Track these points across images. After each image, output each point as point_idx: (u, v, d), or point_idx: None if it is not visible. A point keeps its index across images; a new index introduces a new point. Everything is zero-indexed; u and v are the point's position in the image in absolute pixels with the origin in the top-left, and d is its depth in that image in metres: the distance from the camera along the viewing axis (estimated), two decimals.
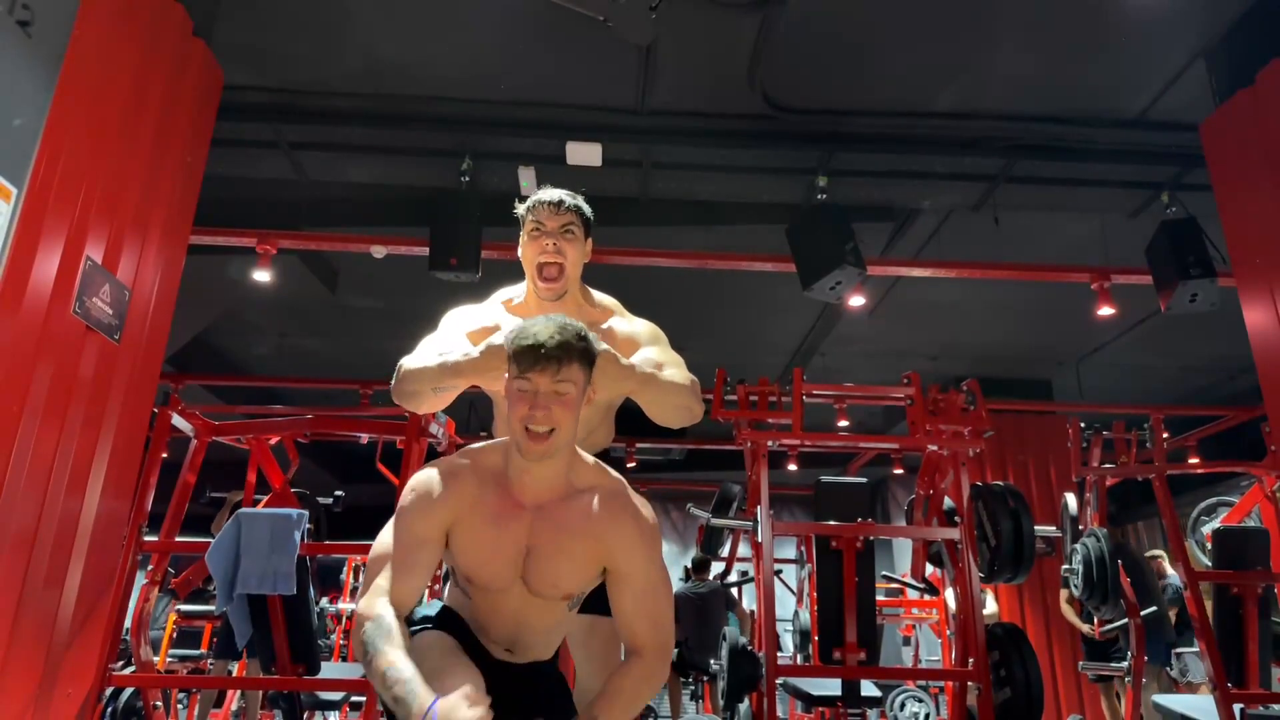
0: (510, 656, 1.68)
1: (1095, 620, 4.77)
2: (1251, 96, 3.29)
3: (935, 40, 3.80)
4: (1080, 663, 4.81)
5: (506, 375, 1.59)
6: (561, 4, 3.11)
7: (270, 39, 3.84)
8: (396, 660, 1.43)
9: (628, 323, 2.07)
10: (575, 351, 1.52)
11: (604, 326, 2.01)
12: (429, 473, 1.64)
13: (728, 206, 5.12)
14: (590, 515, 1.60)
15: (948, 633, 6.03)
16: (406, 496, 1.62)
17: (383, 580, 1.56)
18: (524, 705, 1.66)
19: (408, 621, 1.58)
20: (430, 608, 1.71)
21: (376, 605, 1.52)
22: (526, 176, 4.44)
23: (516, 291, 2.14)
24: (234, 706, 5.45)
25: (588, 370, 1.57)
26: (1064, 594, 5.30)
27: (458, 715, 1.32)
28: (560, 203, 2.00)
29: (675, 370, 1.87)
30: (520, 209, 2.06)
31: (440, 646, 1.56)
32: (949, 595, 5.44)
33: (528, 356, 1.50)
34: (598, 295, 2.15)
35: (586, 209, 2.06)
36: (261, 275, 4.70)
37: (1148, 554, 5.51)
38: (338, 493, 5.23)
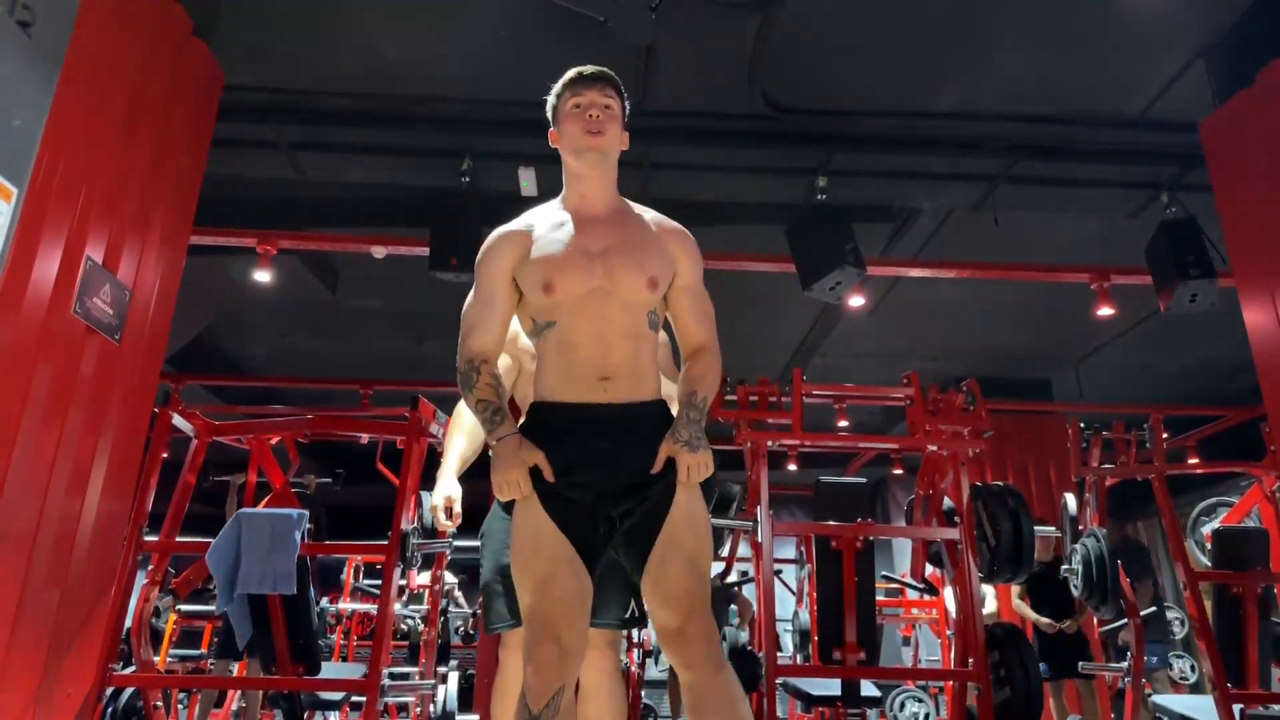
0: (606, 390, 1.75)
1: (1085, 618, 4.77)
2: (1251, 96, 3.29)
3: (935, 40, 3.80)
4: (1080, 663, 4.81)
5: (560, 109, 1.88)
6: (561, 4, 3.11)
7: (270, 39, 3.84)
8: (488, 397, 1.76)
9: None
10: (613, 78, 1.87)
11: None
12: (489, 239, 1.89)
13: (728, 207, 5.12)
14: (651, 225, 1.88)
15: (947, 633, 6.03)
16: (478, 259, 1.88)
17: (471, 339, 1.83)
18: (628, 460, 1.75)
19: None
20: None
21: (469, 353, 1.81)
22: (526, 176, 4.44)
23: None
24: (234, 706, 5.45)
25: (621, 97, 1.88)
26: (1016, 589, 5.28)
27: (500, 456, 1.69)
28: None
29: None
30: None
31: (547, 550, 1.69)
32: (947, 595, 5.45)
33: (579, 79, 1.85)
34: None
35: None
36: (262, 275, 4.70)
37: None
38: (338, 470, 5.24)
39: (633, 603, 2.21)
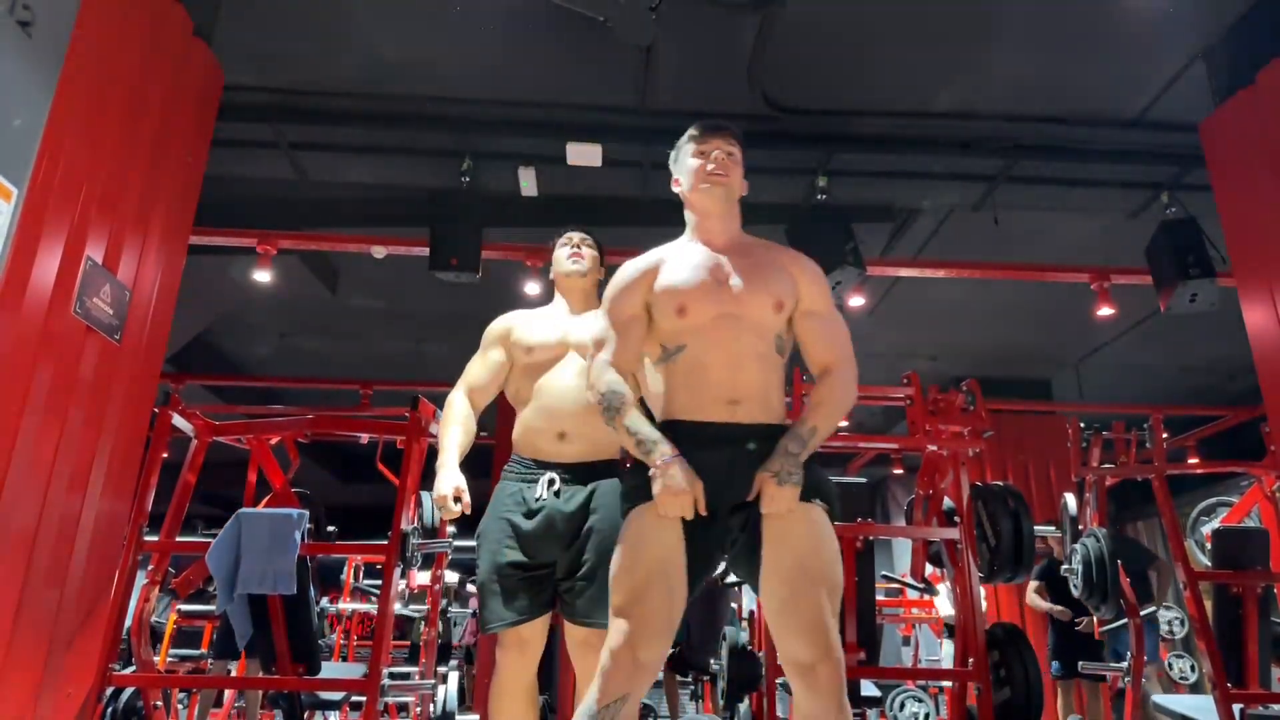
0: (734, 413, 1.82)
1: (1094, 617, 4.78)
2: (1251, 96, 3.29)
3: (935, 40, 3.80)
4: (1080, 663, 4.81)
5: (688, 154, 1.99)
6: (562, 4, 3.11)
7: (270, 39, 3.84)
8: (637, 418, 1.82)
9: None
10: (734, 130, 2.01)
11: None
12: (622, 269, 1.98)
13: None
14: (774, 253, 1.99)
15: (914, 633, 6.03)
16: (608, 292, 1.97)
17: (605, 354, 1.89)
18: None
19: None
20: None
21: (605, 375, 1.86)
22: (526, 177, 4.43)
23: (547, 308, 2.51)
24: (236, 705, 5.46)
25: (741, 146, 2.01)
26: (1033, 585, 5.30)
27: (679, 479, 1.71)
28: (586, 233, 2.52)
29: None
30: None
31: (649, 565, 1.74)
32: (939, 600, 5.47)
33: (709, 130, 1.99)
34: None
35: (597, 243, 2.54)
36: (262, 275, 4.70)
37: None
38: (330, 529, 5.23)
39: None
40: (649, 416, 1.89)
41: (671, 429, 1.83)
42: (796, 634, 1.68)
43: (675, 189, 2.06)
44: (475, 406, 2.39)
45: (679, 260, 1.94)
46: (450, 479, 2.18)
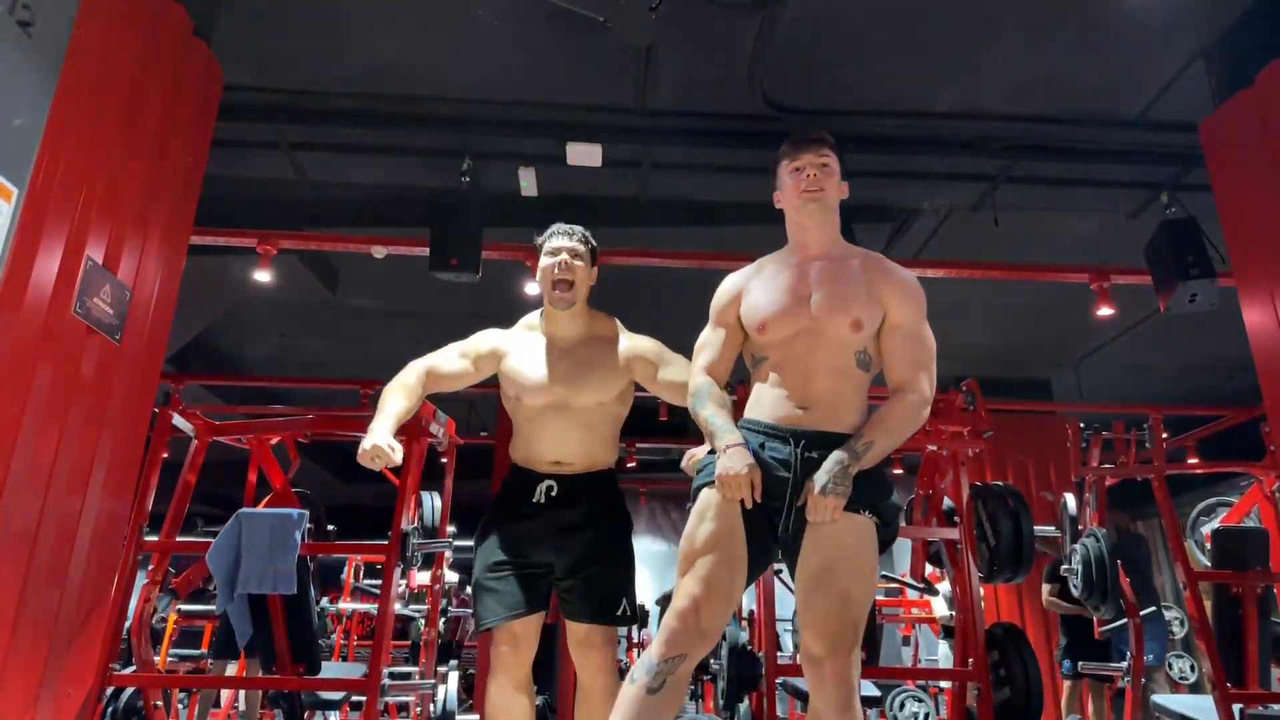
0: (802, 418, 1.90)
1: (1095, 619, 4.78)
2: (1251, 97, 3.29)
3: (935, 40, 3.80)
4: (1080, 663, 4.81)
5: (784, 172, 2.06)
6: (562, 4, 3.11)
7: (270, 39, 3.84)
8: (715, 412, 1.94)
9: (630, 339, 2.44)
10: (827, 138, 2.05)
11: (609, 338, 2.41)
12: (724, 281, 2.12)
13: (728, 207, 5.12)
14: (865, 266, 2.02)
15: (914, 632, 6.03)
16: (714, 300, 2.11)
17: (701, 359, 2.07)
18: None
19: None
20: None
21: (699, 378, 2.04)
22: (526, 177, 4.43)
23: (535, 316, 2.51)
24: (241, 707, 5.46)
25: (835, 152, 2.05)
26: (1047, 587, 5.32)
27: (737, 462, 1.80)
28: (570, 232, 2.45)
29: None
30: (539, 240, 2.47)
31: (713, 539, 1.83)
32: (935, 601, 5.46)
33: (799, 144, 2.04)
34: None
35: (592, 241, 2.48)
36: (262, 275, 4.70)
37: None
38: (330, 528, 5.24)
39: (625, 601, 2.23)
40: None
41: (747, 426, 1.95)
42: (810, 627, 1.74)
43: (777, 205, 2.13)
44: (426, 389, 2.36)
45: (768, 278, 2.04)
46: (377, 438, 2.13)
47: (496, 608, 2.18)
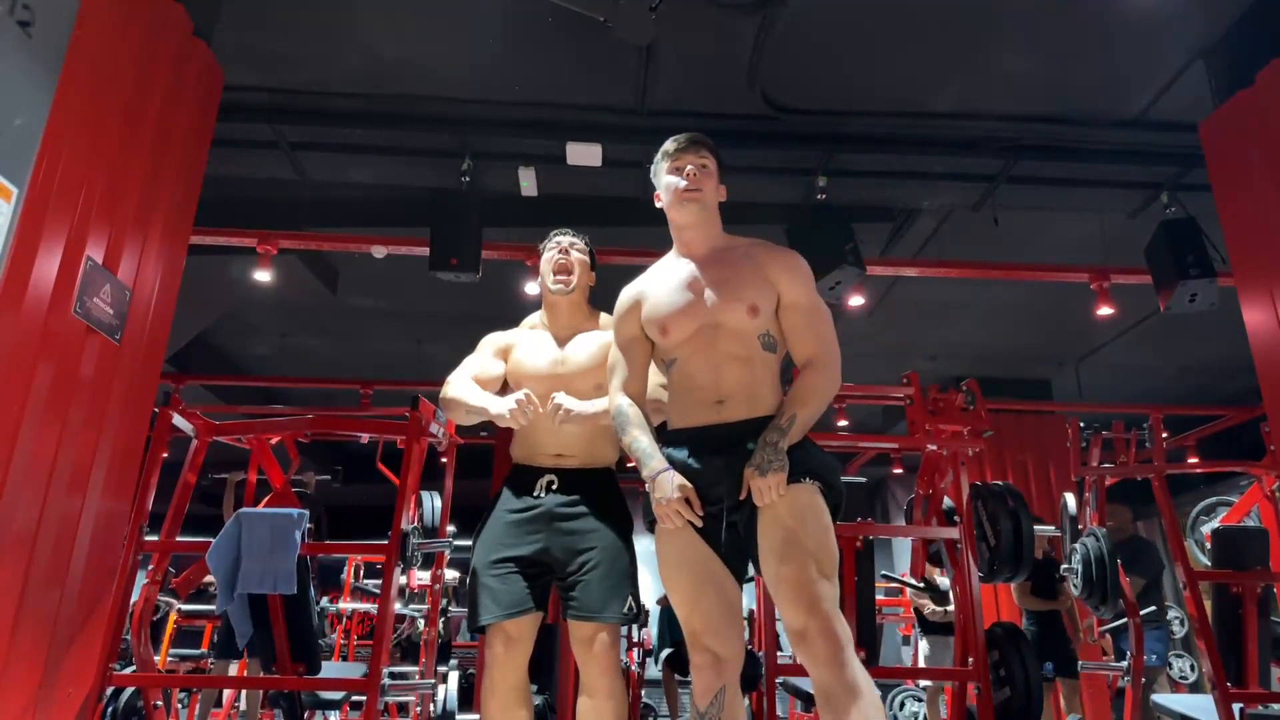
0: (720, 412, 1.94)
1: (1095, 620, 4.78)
2: (1251, 97, 3.29)
3: (935, 40, 3.80)
4: (1080, 663, 4.82)
5: (663, 171, 2.10)
6: (562, 4, 3.11)
7: (270, 39, 3.84)
8: (636, 436, 1.98)
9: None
10: (706, 141, 2.10)
11: (606, 329, 2.43)
12: (620, 296, 2.16)
13: (728, 206, 5.10)
14: (750, 254, 2.06)
15: (914, 633, 6.01)
16: (613, 320, 2.17)
17: (616, 380, 2.11)
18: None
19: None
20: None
21: (617, 399, 2.08)
22: (526, 177, 4.43)
23: (536, 317, 2.57)
24: (242, 707, 5.46)
25: (715, 156, 2.11)
26: (1017, 585, 5.33)
27: (666, 489, 1.87)
28: (572, 233, 2.53)
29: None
30: (542, 245, 2.54)
31: (686, 572, 1.90)
32: (912, 595, 5.46)
33: (680, 148, 2.08)
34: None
35: (591, 246, 2.55)
36: (262, 275, 4.70)
37: None
38: (337, 468, 5.26)
39: (631, 599, 2.22)
40: (657, 429, 2.04)
41: (673, 436, 1.99)
42: (785, 602, 1.75)
43: (657, 204, 2.17)
44: None
45: (661, 283, 2.09)
46: (506, 398, 2.19)
47: (491, 605, 2.16)
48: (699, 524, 1.89)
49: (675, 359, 2.02)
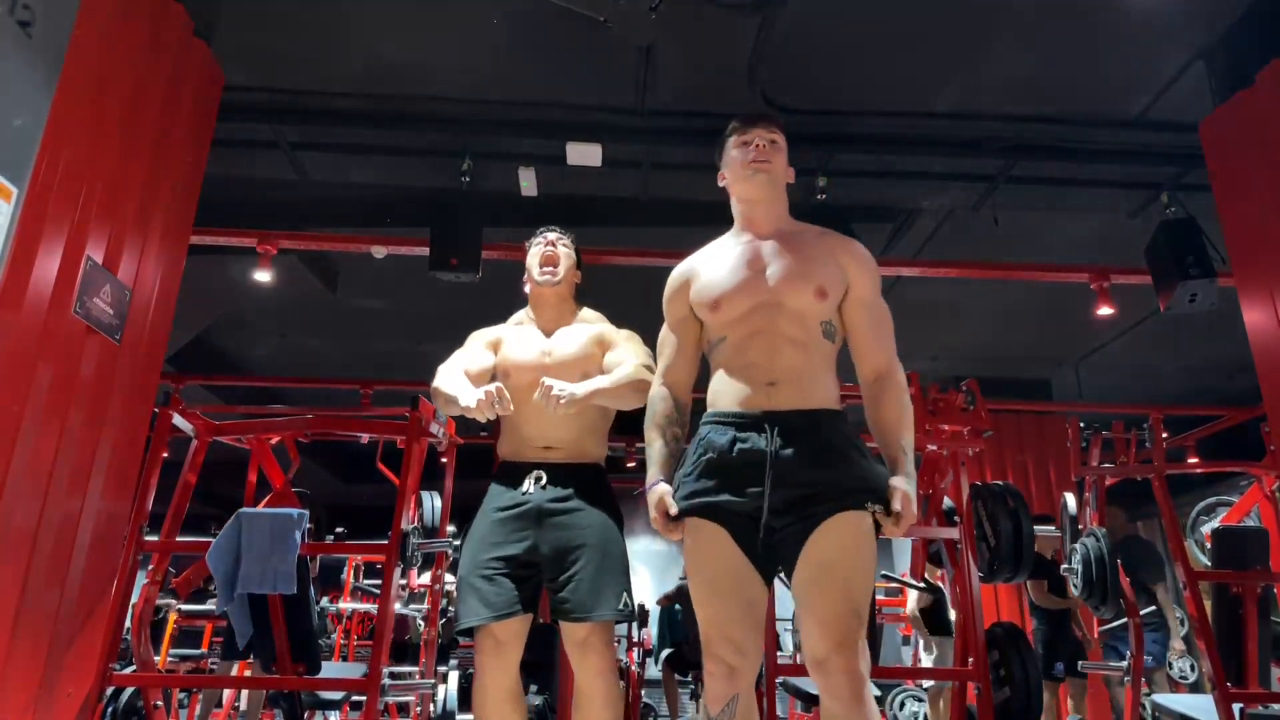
0: (770, 397, 1.81)
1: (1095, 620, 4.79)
2: (1251, 96, 3.29)
3: (935, 40, 3.80)
4: (1080, 663, 4.82)
5: (731, 147, 2.03)
6: (562, 4, 3.11)
7: (271, 40, 3.84)
8: (651, 439, 1.94)
9: (607, 325, 2.51)
10: (776, 118, 2.04)
11: (592, 323, 2.49)
12: (672, 274, 2.05)
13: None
14: (821, 237, 1.97)
15: (914, 633, 6.01)
16: (664, 298, 2.05)
17: (659, 365, 2.04)
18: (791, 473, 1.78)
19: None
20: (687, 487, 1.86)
21: (655, 386, 2.02)
22: (526, 177, 4.43)
23: (522, 314, 2.57)
24: (242, 706, 5.46)
25: (784, 134, 2.03)
26: (1033, 584, 5.34)
27: (650, 503, 1.83)
28: (557, 229, 2.54)
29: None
30: (528, 244, 2.57)
31: (711, 575, 1.81)
32: (912, 597, 5.45)
33: (749, 119, 2.01)
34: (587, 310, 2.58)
35: (576, 245, 2.57)
36: (262, 275, 4.70)
37: None
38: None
39: (626, 596, 2.18)
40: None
41: (714, 420, 1.86)
42: (813, 627, 1.67)
43: (721, 183, 2.08)
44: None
45: (717, 257, 1.98)
46: (475, 391, 2.11)
47: (479, 607, 2.11)
48: (674, 539, 1.84)
49: (724, 338, 1.90)
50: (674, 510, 1.82)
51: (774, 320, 1.84)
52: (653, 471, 1.88)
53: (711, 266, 1.97)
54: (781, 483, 1.75)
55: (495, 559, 2.16)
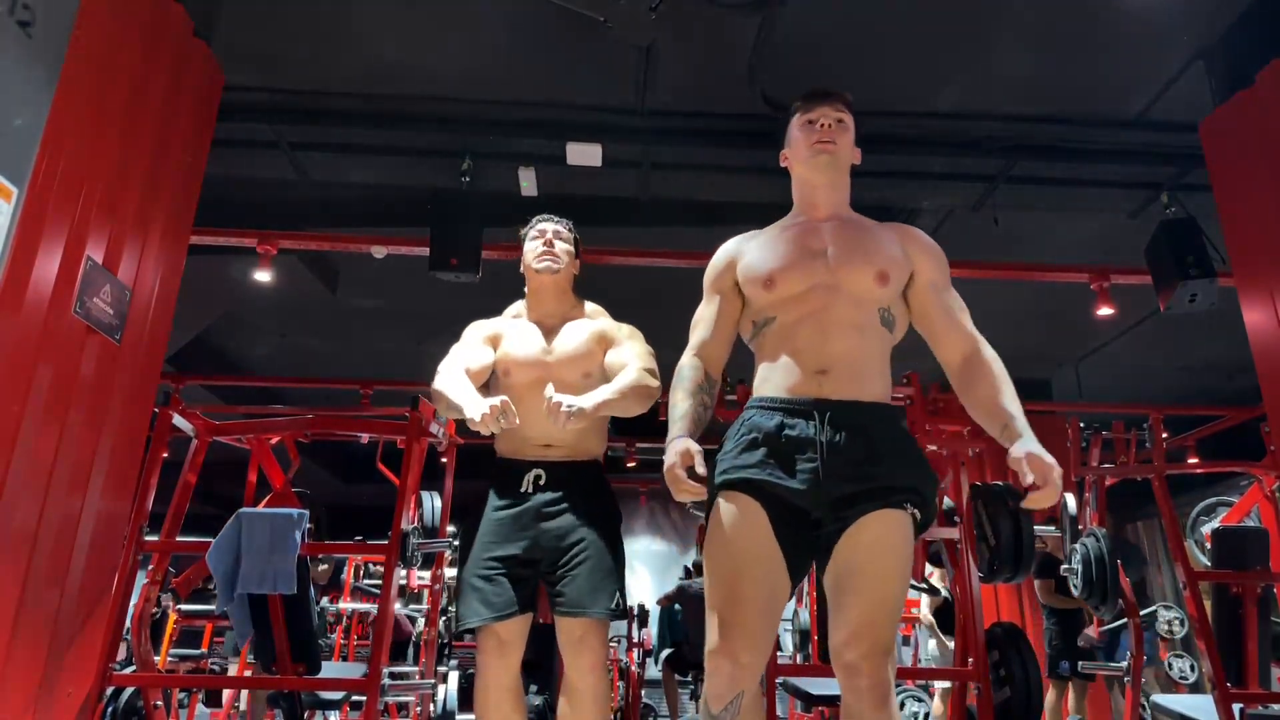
0: (822, 385, 1.71)
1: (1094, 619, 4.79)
2: (1251, 97, 3.29)
3: (935, 40, 3.80)
4: (1080, 663, 4.82)
5: (795, 126, 1.94)
6: (562, 4, 3.11)
7: (271, 39, 3.84)
8: (678, 401, 1.79)
9: (609, 320, 2.47)
10: (844, 95, 1.93)
11: (593, 318, 2.46)
12: (721, 248, 1.98)
13: (728, 206, 5.12)
14: (886, 226, 1.89)
15: (913, 633, 6.03)
16: (707, 270, 1.97)
17: (695, 337, 1.92)
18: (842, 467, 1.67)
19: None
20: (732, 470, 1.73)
21: (685, 357, 1.90)
22: (526, 177, 4.44)
23: (518, 305, 2.54)
24: (243, 707, 5.44)
25: (851, 112, 1.92)
26: (1040, 583, 5.37)
27: (669, 455, 1.66)
28: (555, 218, 2.53)
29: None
30: (523, 231, 2.55)
31: (736, 560, 1.67)
32: (924, 602, 5.47)
33: (815, 97, 1.91)
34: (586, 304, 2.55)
35: (575, 233, 2.56)
36: (262, 275, 4.70)
37: None
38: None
39: (619, 595, 2.18)
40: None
41: (759, 405, 1.75)
42: (846, 631, 1.59)
43: (783, 163, 2.00)
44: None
45: (771, 238, 1.89)
46: (482, 401, 2.05)
47: (480, 608, 2.11)
48: (695, 496, 1.65)
49: (773, 318, 1.78)
50: (700, 465, 1.64)
51: (830, 303, 1.73)
52: (677, 428, 1.72)
53: (765, 243, 1.88)
54: (831, 474, 1.65)
55: (495, 559, 2.16)
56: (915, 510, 1.69)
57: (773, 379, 1.76)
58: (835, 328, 1.73)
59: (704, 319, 1.91)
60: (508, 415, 2.00)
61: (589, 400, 2.09)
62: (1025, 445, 1.64)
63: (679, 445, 1.67)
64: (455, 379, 2.22)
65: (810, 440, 1.66)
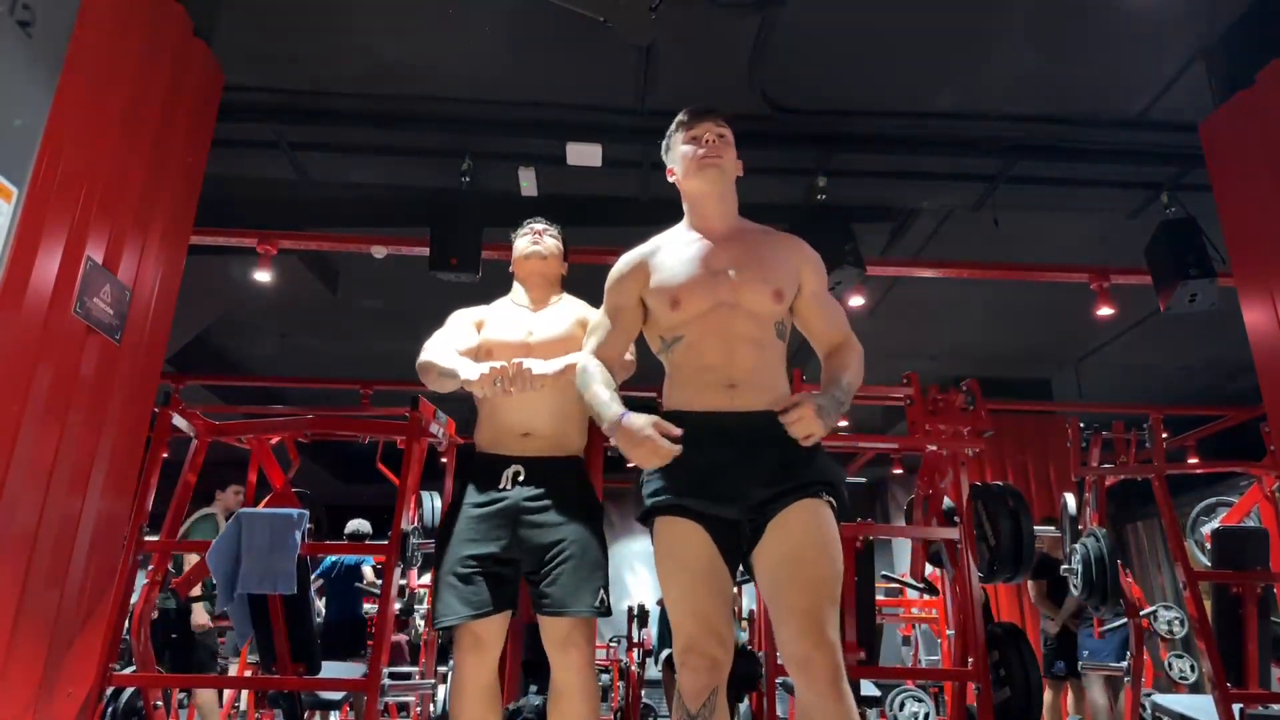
0: (733, 398, 1.84)
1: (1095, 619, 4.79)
2: (1251, 97, 3.29)
3: (935, 40, 3.80)
4: (1080, 662, 4.82)
5: (679, 142, 2.02)
6: (562, 4, 3.11)
7: (271, 40, 3.84)
8: (597, 391, 1.86)
9: (590, 309, 2.45)
10: (722, 112, 2.02)
11: (579, 306, 2.46)
12: (620, 259, 2.03)
13: None
14: (769, 238, 2.01)
15: (947, 632, 6.03)
16: (608, 281, 2.03)
17: (591, 342, 2.01)
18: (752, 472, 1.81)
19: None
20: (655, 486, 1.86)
21: (583, 358, 1.98)
22: (526, 177, 4.44)
23: (505, 299, 2.54)
24: (243, 707, 5.45)
25: (732, 128, 2.02)
26: (1034, 585, 5.38)
27: (638, 424, 1.73)
28: (544, 220, 2.55)
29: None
30: (514, 235, 2.56)
31: (689, 571, 1.79)
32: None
33: (697, 114, 2.00)
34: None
35: (562, 239, 2.57)
36: (262, 275, 4.70)
37: None
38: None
39: (603, 591, 2.16)
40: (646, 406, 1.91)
41: (675, 420, 1.82)
42: (792, 629, 1.67)
43: (670, 179, 2.07)
44: None
45: (673, 253, 1.97)
46: (478, 366, 2.11)
47: (457, 605, 2.08)
48: (675, 452, 1.73)
49: (681, 336, 1.90)
50: (676, 429, 1.75)
51: (731, 320, 1.87)
52: (614, 409, 1.80)
53: (669, 260, 1.95)
54: (752, 481, 1.78)
55: (472, 557, 2.13)
56: (831, 499, 1.81)
57: (685, 391, 1.90)
58: (739, 343, 1.86)
59: (603, 327, 2.01)
60: (506, 380, 2.04)
61: (553, 364, 2.14)
62: (809, 395, 1.78)
63: (637, 419, 1.75)
64: (443, 349, 2.26)
65: (728, 453, 1.80)
